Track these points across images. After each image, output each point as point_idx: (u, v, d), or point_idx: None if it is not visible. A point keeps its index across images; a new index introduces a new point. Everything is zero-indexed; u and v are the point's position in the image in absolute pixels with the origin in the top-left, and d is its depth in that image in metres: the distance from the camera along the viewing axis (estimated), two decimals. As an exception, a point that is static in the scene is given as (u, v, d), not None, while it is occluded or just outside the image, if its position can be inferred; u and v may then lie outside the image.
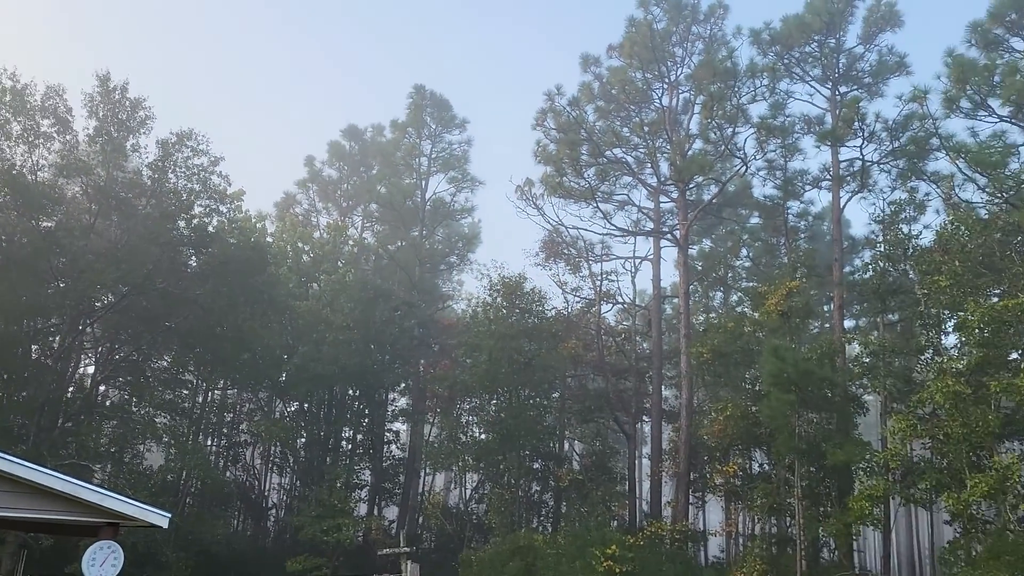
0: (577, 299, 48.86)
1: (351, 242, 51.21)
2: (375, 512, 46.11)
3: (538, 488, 44.87)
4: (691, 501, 40.83)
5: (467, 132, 53.90)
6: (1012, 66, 31.04)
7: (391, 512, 49.99)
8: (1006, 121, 32.99)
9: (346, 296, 43.21)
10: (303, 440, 43.64)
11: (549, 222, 44.82)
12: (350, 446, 46.24)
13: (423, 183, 52.46)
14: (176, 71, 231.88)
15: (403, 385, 50.36)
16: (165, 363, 43.11)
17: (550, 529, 42.09)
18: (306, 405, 44.55)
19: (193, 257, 37.93)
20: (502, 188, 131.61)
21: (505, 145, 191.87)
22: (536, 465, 44.51)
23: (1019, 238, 30.32)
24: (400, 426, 52.16)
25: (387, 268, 52.12)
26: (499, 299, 42.64)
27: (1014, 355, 30.94)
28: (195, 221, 36.52)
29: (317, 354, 41.04)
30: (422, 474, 50.03)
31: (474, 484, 46.02)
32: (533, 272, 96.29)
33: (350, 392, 46.35)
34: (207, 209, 37.18)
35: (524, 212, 43.77)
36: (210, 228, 37.26)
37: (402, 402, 52.73)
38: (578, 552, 30.54)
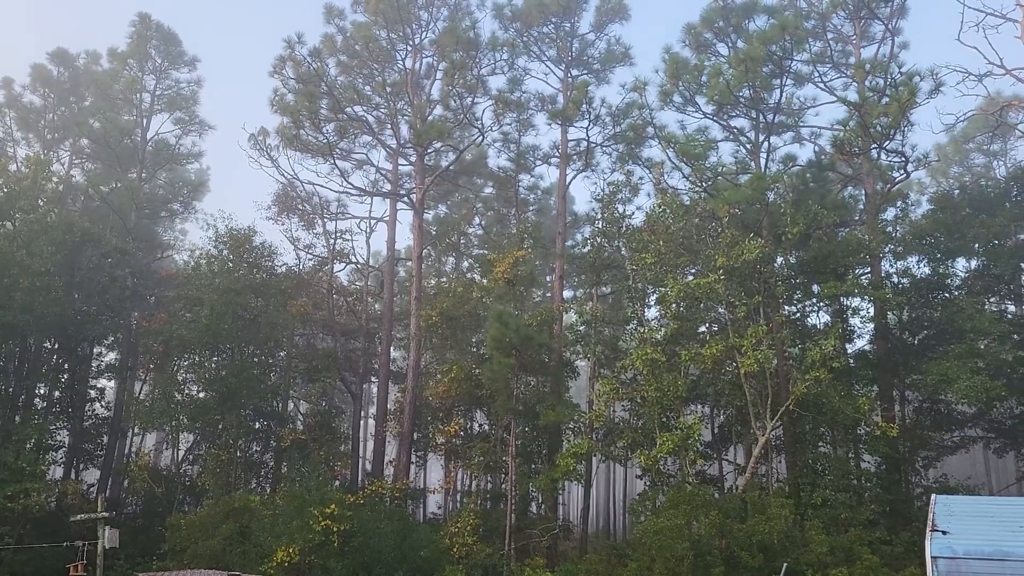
0: (310, 257, 47.89)
1: (55, 179, 45.82)
2: (72, 475, 42.30)
3: (258, 448, 43.62)
4: (413, 460, 41.82)
5: (197, 71, 50.33)
6: (717, 69, 34.42)
7: (92, 475, 46.09)
8: (709, 118, 36.86)
9: (47, 238, 38.78)
10: (-14, 397, 38.88)
11: (284, 175, 43.27)
12: (45, 404, 41.85)
13: (144, 121, 48.21)
14: None
15: (112, 339, 46.32)
16: None
17: (269, 490, 41.17)
18: (-8, 358, 39.67)
19: None
20: (234, 135, 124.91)
21: (240, 90, 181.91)
22: (257, 425, 43.22)
23: (713, 224, 34.08)
24: (106, 383, 48.04)
25: (98, 211, 47.42)
26: (226, 252, 40.59)
27: (702, 328, 34.94)
28: None
29: (7, 301, 36.57)
30: (130, 434, 46.59)
31: (188, 445, 43.72)
32: (264, 226, 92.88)
33: (47, 344, 41.86)
34: None
35: (257, 163, 41.74)
36: None
37: (110, 357, 48.57)
38: (296, 512, 30.17)
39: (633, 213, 37.33)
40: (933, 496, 15.54)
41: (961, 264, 37.32)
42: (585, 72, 42.64)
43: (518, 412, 33.63)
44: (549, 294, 50.57)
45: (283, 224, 47.01)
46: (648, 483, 34.79)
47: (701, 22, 37.61)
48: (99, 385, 46.19)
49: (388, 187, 45.70)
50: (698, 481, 32.59)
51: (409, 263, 48.60)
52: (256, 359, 41.28)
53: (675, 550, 25.55)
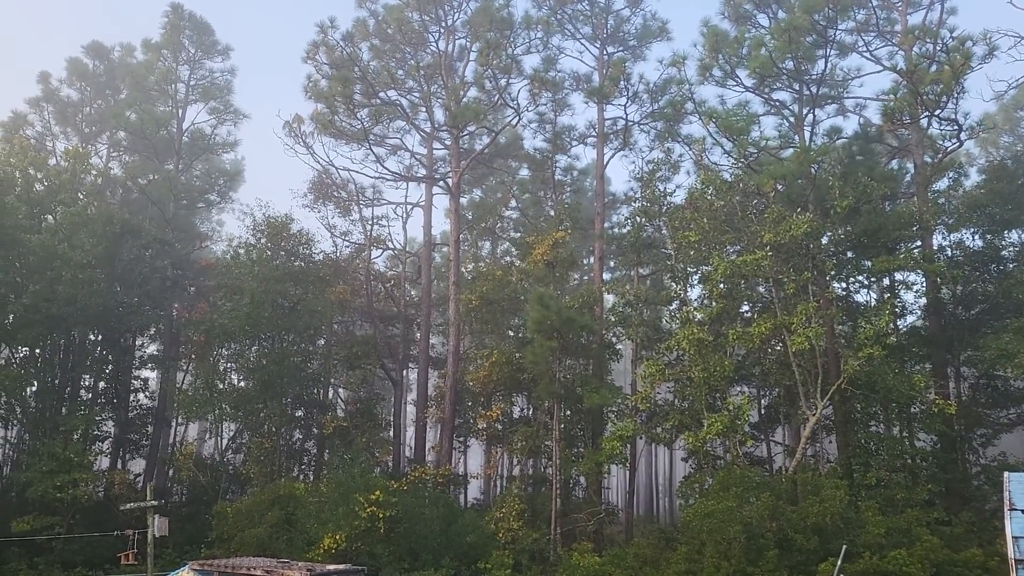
0: (346, 243, 47.75)
1: (94, 172, 46.13)
2: (119, 465, 42.77)
3: (300, 436, 43.73)
4: (455, 446, 41.62)
5: (231, 60, 50.44)
6: (758, 40, 33.41)
7: (137, 465, 46.55)
8: (751, 92, 35.85)
9: (88, 231, 39.03)
10: (34, 389, 39.29)
11: (319, 162, 43.24)
12: (90, 395, 42.27)
13: (180, 112, 48.35)
14: None
15: (153, 329, 46.69)
16: None
17: (312, 477, 41.25)
18: (37, 350, 40.06)
19: None
20: (269, 123, 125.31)
21: (274, 78, 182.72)
22: (299, 413, 43.31)
23: (757, 200, 33.19)
24: (149, 373, 48.45)
25: (137, 202, 47.77)
26: (264, 240, 40.57)
27: (745, 307, 34.13)
28: None
29: (51, 294, 36.91)
30: (173, 424, 46.96)
31: (231, 433, 43.96)
32: (301, 214, 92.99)
33: (91, 336, 42.29)
34: (-90, 124, 31.80)
35: (293, 150, 41.83)
36: (-86, 146, 31.96)
37: (152, 347, 48.98)
38: (341, 499, 30.10)
39: (674, 191, 36.64)
40: (1006, 474, 14.77)
41: (1015, 236, 36.01)
42: (621, 49, 41.82)
43: (560, 396, 33.20)
44: (586, 277, 49.99)
45: (319, 211, 46.95)
46: (694, 465, 34.18)
47: (740, -8, 36.62)
48: (142, 376, 46.65)
49: (423, 172, 45.37)
50: (746, 463, 31.91)
51: (445, 248, 48.31)
52: (296, 347, 41.28)
53: (726, 533, 24.97)
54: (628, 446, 33.90)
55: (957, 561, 24.48)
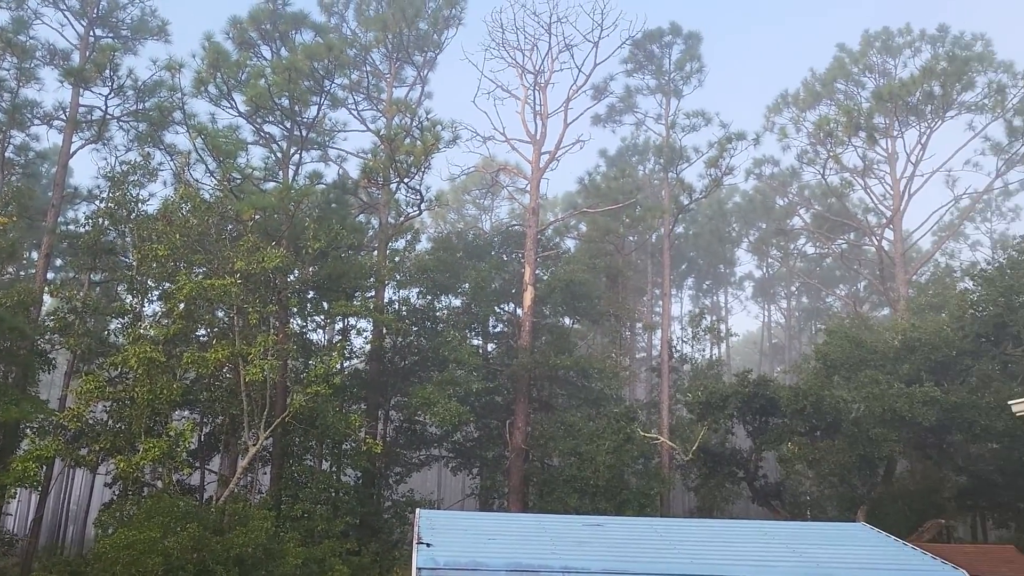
0: None
1: None
2: None
3: None
4: None
5: None
6: (259, 70, 33.76)
7: None
8: (243, 118, 35.89)
9: None
10: None
11: None
12: None
13: None
14: None
15: None
16: None
17: None
18: None
19: None
20: None
21: None
22: None
23: (232, 226, 33.06)
24: None
25: None
26: None
27: (202, 331, 33.47)
28: None
29: None
30: None
31: None
32: None
33: None
34: None
35: None
36: None
37: None
38: None
39: (148, 199, 34.58)
40: (419, 511, 16.70)
41: (449, 300, 41.53)
42: (111, 35, 38.39)
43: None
44: (25, 273, 44.01)
45: None
46: (118, 492, 31.87)
47: (249, 19, 36.66)
48: None
49: None
50: (178, 491, 30.80)
51: None
52: None
53: (144, 565, 23.66)
54: (45, 468, 30.26)
55: (361, 589, 26.80)
